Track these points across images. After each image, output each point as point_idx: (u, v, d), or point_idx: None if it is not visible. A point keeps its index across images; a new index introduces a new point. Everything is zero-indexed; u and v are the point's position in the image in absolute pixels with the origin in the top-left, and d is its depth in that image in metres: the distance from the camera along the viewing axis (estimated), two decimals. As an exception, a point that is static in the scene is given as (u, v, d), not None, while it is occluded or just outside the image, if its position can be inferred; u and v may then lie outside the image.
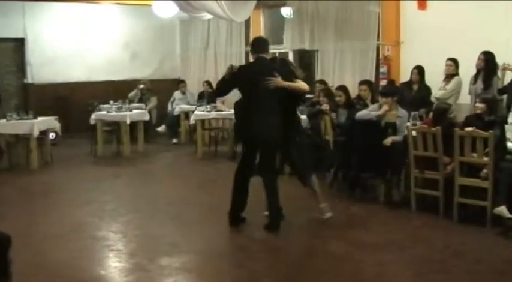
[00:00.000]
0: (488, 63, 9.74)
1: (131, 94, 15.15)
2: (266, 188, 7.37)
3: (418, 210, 8.13)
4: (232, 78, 7.44)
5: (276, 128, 7.29)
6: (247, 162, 7.55)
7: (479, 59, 9.80)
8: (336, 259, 6.47)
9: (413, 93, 10.70)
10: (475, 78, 9.92)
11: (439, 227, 7.57)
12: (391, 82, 11.75)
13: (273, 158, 7.51)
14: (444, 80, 10.31)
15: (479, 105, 7.92)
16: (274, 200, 7.36)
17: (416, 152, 8.03)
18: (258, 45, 7.64)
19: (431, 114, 8.80)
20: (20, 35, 15.54)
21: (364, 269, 6.15)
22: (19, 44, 15.71)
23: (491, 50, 9.75)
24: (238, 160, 7.75)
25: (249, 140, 7.51)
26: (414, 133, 8.08)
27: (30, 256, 6.50)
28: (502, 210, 7.14)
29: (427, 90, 10.68)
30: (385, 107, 8.58)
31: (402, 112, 8.71)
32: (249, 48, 15.28)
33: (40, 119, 11.87)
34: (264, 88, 7.20)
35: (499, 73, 9.69)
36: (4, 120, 11.56)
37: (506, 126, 8.19)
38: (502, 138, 7.47)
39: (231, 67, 7.55)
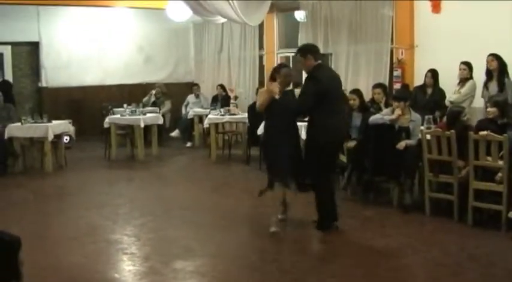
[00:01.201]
0: (500, 64, 9.73)
1: (145, 99, 15.15)
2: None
3: (432, 214, 8.10)
4: (322, 89, 7.27)
5: None
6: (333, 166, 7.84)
7: (491, 60, 9.77)
8: (350, 263, 6.45)
9: (428, 97, 10.66)
10: (486, 83, 9.89)
11: (453, 231, 7.53)
12: (404, 86, 11.71)
13: None
14: (458, 83, 10.27)
15: (491, 109, 7.84)
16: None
17: (431, 156, 8.01)
18: (318, 51, 7.70)
19: (445, 118, 8.77)
20: (34, 39, 15.70)
21: (378, 273, 6.12)
22: (34, 47, 15.87)
23: (505, 53, 9.74)
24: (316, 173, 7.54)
25: (338, 143, 7.86)
26: (428, 137, 8.06)
27: (44, 259, 6.53)
28: (517, 214, 7.12)
29: (441, 93, 10.63)
30: (397, 111, 8.56)
31: (415, 116, 8.70)
32: (263, 52, 15.49)
33: (54, 122, 11.92)
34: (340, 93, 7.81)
35: None
36: (19, 124, 11.62)
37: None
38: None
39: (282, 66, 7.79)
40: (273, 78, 7.61)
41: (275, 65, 8.82)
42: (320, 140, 7.33)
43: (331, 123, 7.35)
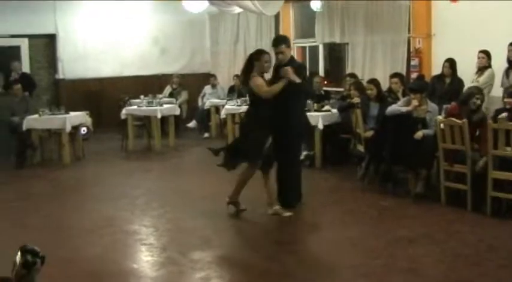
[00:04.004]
0: None
1: (162, 94, 15.14)
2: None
3: (450, 203, 8.05)
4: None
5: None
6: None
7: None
8: (368, 253, 6.43)
9: (446, 87, 10.59)
10: (507, 71, 9.81)
11: (471, 221, 7.49)
12: (420, 77, 11.62)
13: None
14: (476, 72, 10.19)
15: (507, 99, 7.80)
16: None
17: (445, 145, 7.95)
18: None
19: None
20: (51, 31, 15.74)
21: (396, 264, 6.10)
22: (50, 40, 15.91)
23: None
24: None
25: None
26: (442, 126, 8.01)
27: (62, 250, 6.56)
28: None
29: (459, 83, 10.56)
30: (414, 103, 8.52)
31: (432, 106, 8.65)
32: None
33: (72, 114, 11.96)
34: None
35: None
36: (37, 116, 11.67)
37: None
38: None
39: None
40: (251, 64, 7.79)
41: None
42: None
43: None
